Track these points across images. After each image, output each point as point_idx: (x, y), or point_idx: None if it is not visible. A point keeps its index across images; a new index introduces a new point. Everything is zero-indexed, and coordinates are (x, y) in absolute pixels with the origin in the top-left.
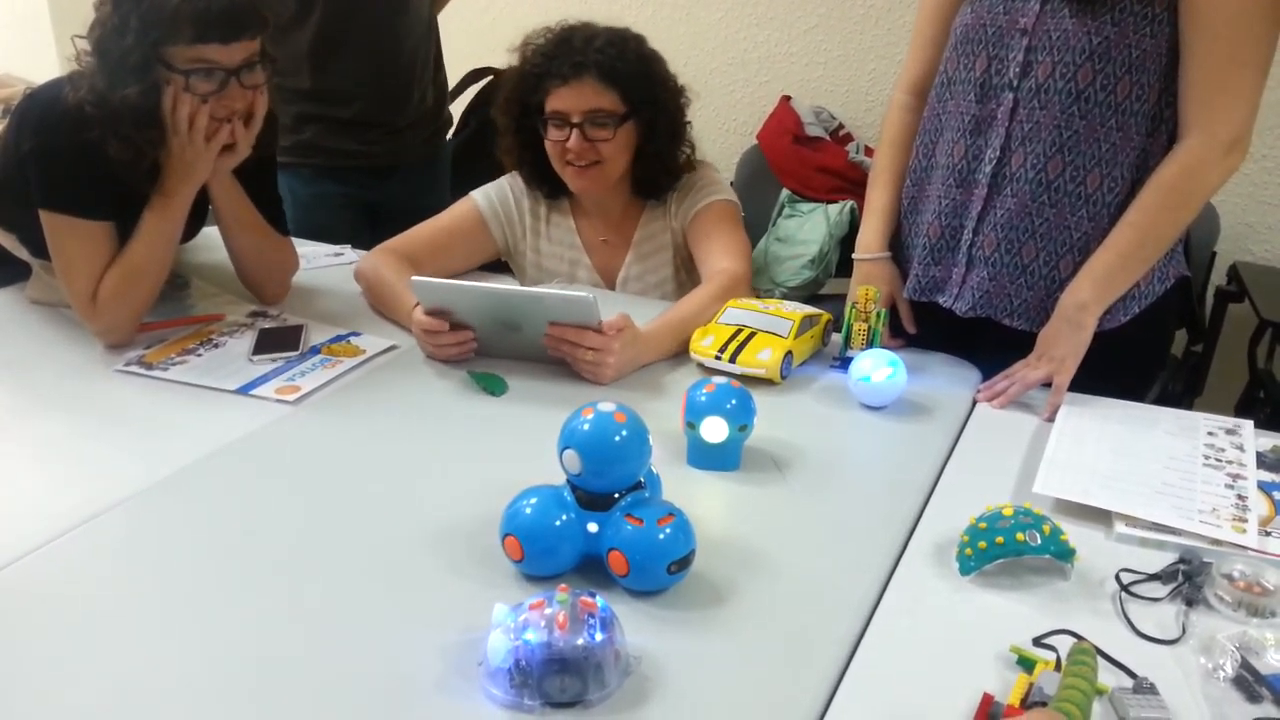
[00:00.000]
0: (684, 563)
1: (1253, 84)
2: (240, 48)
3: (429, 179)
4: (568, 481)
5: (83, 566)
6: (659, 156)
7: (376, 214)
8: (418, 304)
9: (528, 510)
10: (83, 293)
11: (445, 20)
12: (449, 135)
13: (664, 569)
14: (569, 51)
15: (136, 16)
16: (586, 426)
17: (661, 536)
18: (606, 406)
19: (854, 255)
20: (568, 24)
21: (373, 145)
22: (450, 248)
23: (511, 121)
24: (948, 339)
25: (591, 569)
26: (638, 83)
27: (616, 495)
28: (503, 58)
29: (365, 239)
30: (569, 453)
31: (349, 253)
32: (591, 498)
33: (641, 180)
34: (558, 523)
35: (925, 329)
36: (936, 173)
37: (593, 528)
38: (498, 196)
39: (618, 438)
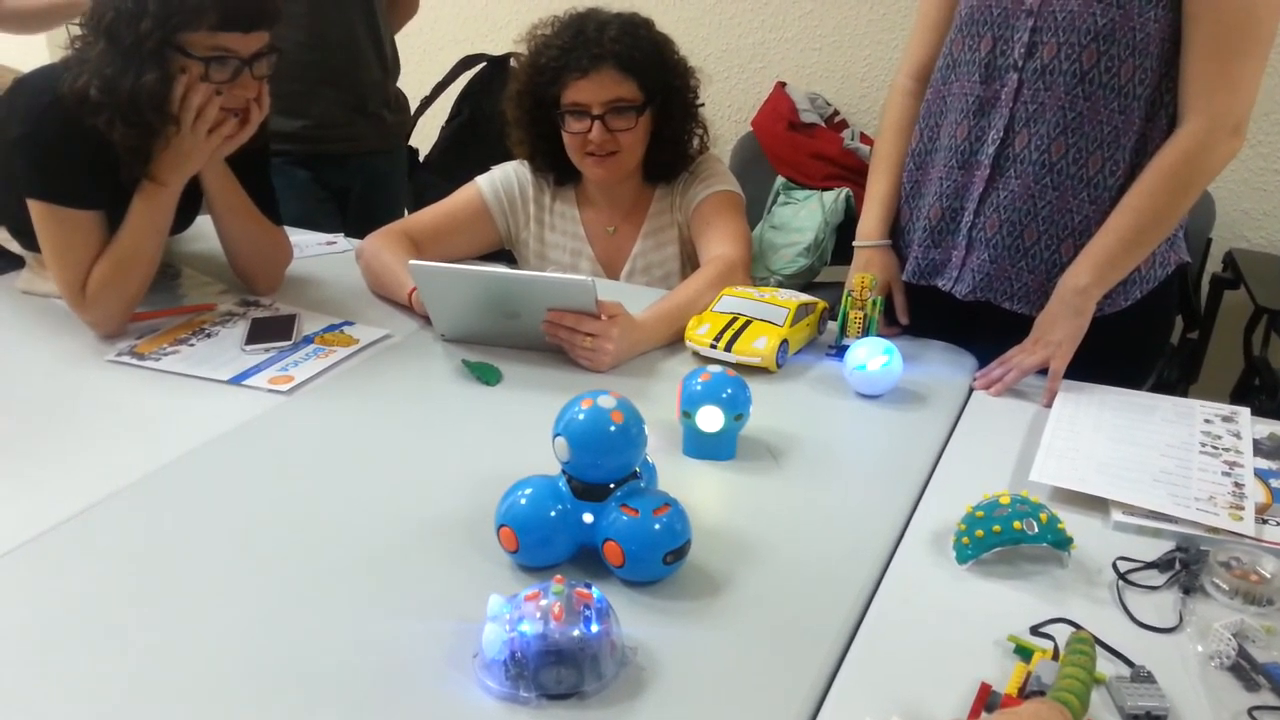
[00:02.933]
0: (680, 553)
1: (1253, 70)
2: (256, 37)
3: (387, 168)
4: (563, 472)
5: (76, 559)
6: (673, 140)
7: (345, 201)
8: (414, 288)
9: (523, 501)
10: (72, 283)
11: (438, 2)
12: (444, 122)
13: (660, 559)
14: (585, 43)
15: (155, 1)
16: (581, 416)
17: (657, 527)
18: (601, 397)
19: (854, 242)
20: (575, 12)
21: (330, 129)
22: (453, 233)
23: (524, 114)
24: (945, 326)
25: (587, 560)
26: (654, 70)
27: (612, 485)
28: (495, 41)
29: (338, 227)
30: (564, 443)
31: (341, 241)
32: (587, 488)
33: (655, 164)
34: (553, 513)
35: (922, 316)
36: (939, 154)
37: (588, 518)
38: (503, 184)
39: (613, 427)
